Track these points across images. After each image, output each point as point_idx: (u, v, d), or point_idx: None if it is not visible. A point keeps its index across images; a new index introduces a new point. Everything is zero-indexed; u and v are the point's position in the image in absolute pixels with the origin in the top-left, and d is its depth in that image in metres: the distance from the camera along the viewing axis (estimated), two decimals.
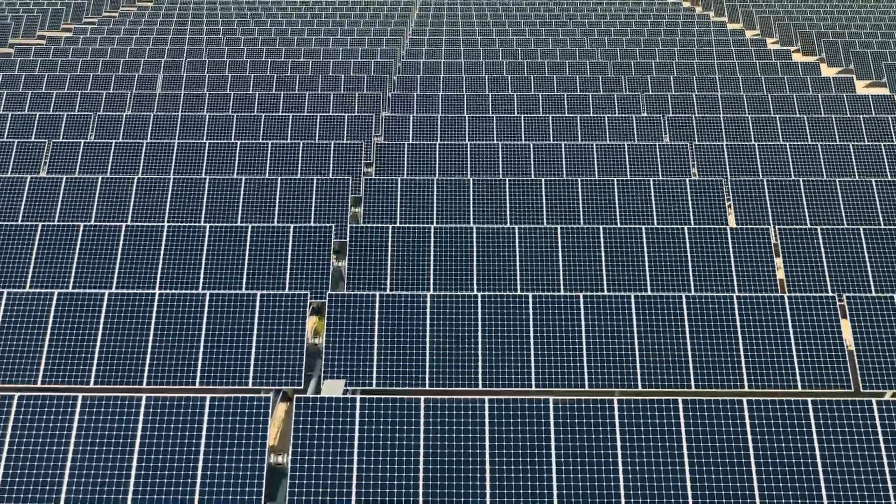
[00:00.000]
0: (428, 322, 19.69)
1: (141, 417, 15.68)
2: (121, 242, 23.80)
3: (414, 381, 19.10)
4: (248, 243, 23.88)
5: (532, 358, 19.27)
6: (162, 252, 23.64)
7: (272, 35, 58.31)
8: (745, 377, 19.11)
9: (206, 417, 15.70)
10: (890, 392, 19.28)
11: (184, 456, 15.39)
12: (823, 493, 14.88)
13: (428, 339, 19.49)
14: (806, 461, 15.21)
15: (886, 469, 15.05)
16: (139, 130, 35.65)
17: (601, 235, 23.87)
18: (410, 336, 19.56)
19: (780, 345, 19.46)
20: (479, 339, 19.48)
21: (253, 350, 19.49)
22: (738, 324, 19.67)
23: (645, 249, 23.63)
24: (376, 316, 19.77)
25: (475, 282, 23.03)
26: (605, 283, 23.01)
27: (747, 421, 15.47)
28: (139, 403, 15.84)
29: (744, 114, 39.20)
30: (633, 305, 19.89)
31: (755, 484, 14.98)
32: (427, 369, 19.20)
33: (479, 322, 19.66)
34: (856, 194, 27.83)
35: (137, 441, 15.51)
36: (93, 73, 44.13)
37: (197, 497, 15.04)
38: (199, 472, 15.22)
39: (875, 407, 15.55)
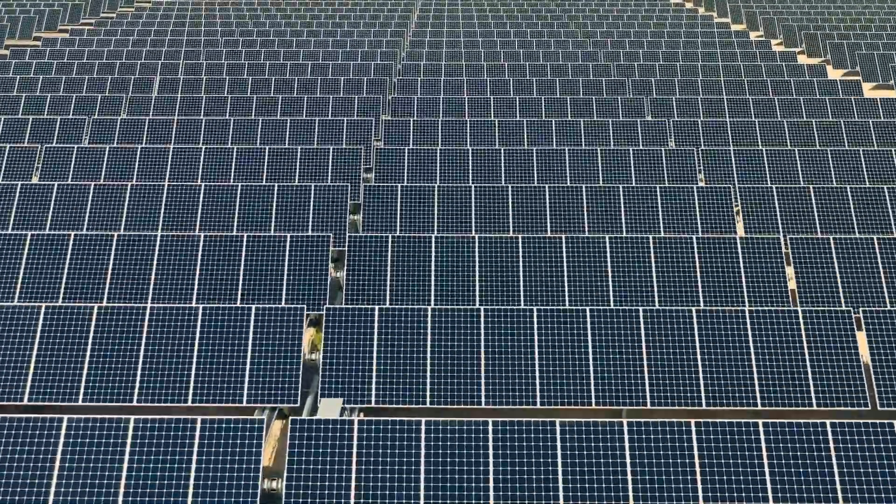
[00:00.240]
0: (429, 337, 19.01)
1: (129, 440, 15.00)
2: (112, 253, 23.12)
3: (414, 398, 18.41)
4: (243, 253, 23.20)
5: (537, 374, 18.58)
6: (155, 262, 22.95)
7: (271, 37, 57.64)
8: (757, 394, 18.42)
9: (196, 441, 15.02)
10: None
11: (173, 482, 14.70)
12: None
13: (429, 355, 18.81)
14: (825, 487, 14.52)
15: None
16: (134, 134, 34.98)
17: (607, 245, 23.18)
18: (411, 351, 18.88)
19: (793, 360, 18.77)
20: (482, 355, 18.80)
21: (247, 366, 18.80)
22: (750, 338, 18.98)
23: (652, 260, 22.94)
24: (375, 330, 19.08)
25: (477, 293, 22.34)
26: (611, 295, 22.32)
27: (763, 445, 14.78)
28: (127, 426, 15.15)
29: (750, 118, 38.52)
30: (641, 319, 19.21)
31: None
32: (428, 386, 18.51)
33: (482, 336, 18.98)
34: (867, 202, 27.14)
35: (125, 466, 14.82)
36: (88, 76, 43.46)
37: None
38: (189, 500, 14.52)
39: None
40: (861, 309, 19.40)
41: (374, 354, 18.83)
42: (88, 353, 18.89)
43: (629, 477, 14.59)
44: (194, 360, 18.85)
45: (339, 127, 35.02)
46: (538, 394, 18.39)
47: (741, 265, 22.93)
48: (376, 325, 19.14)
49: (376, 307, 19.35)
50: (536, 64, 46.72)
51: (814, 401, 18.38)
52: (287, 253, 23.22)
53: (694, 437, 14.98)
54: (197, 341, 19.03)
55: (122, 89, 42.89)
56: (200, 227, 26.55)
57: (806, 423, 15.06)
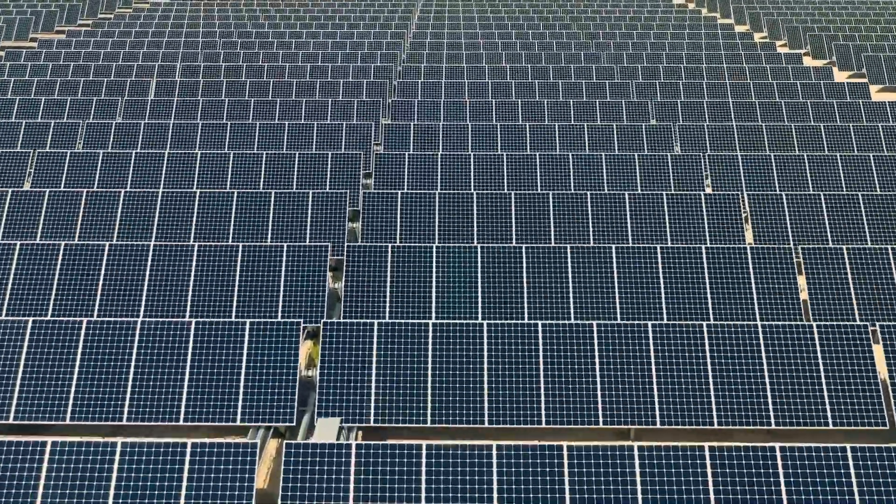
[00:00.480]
0: (430, 353, 18.32)
1: (116, 466, 14.31)
2: (104, 263, 22.43)
3: (415, 417, 17.72)
4: (238, 263, 22.51)
5: (542, 392, 17.89)
6: (147, 274, 22.26)
7: (270, 38, 56.95)
8: (771, 413, 17.73)
9: (186, 466, 14.33)
10: None
11: None
12: None
13: (430, 372, 18.12)
14: None
15: None
16: (129, 139, 34.29)
17: (613, 255, 22.49)
18: (411, 368, 18.19)
19: (808, 377, 18.07)
20: (485, 372, 18.11)
21: (242, 383, 18.12)
22: (763, 355, 18.29)
23: (660, 270, 22.25)
24: (374, 346, 18.39)
25: (480, 306, 21.65)
26: (617, 307, 21.63)
27: (780, 472, 14.09)
28: (114, 450, 14.47)
29: (757, 122, 37.83)
30: (650, 335, 18.52)
31: None
32: (429, 404, 17.82)
33: (485, 353, 18.29)
34: (879, 209, 26.44)
35: (111, 493, 14.13)
36: (84, 79, 42.78)
37: None
38: None
39: None
40: (878, 323, 18.71)
41: (374, 371, 18.14)
42: (77, 370, 18.21)
43: None
44: (186, 377, 18.16)
45: (338, 131, 34.34)
46: (543, 413, 17.70)
47: (751, 276, 22.25)
48: (375, 340, 18.45)
49: (375, 322, 18.66)
50: (538, 66, 46.03)
51: (829, 419, 17.70)
52: (284, 263, 22.54)
53: (708, 462, 14.30)
54: (189, 358, 18.34)
55: (118, 92, 42.22)
56: (195, 235, 25.86)
57: (825, 448, 14.38)
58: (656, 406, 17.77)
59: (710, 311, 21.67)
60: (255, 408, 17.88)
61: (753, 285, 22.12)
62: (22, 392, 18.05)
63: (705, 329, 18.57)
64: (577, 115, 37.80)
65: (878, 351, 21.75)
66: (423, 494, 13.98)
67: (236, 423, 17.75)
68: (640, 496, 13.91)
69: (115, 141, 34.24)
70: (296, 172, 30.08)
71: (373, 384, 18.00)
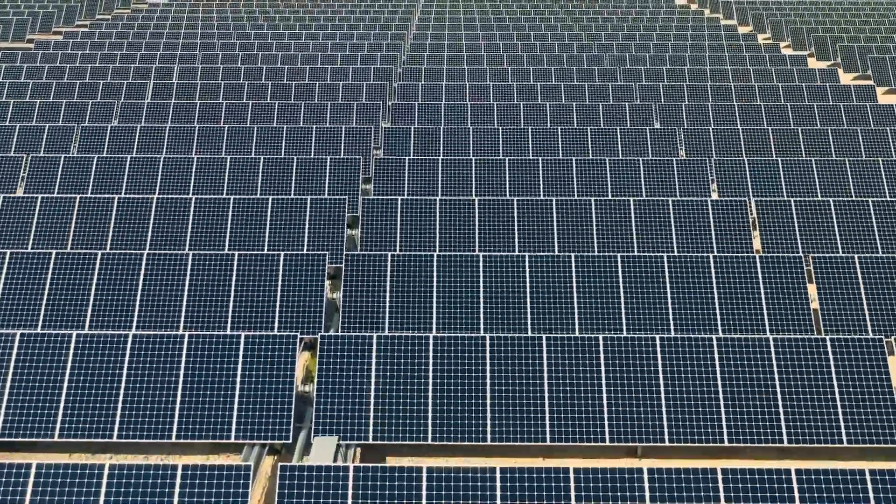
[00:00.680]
0: (430, 367, 17.73)
1: (103, 489, 13.72)
2: (96, 273, 21.84)
3: (415, 434, 17.13)
4: (234, 273, 21.92)
5: (546, 408, 17.30)
6: (140, 283, 21.67)
7: (269, 40, 56.37)
8: (783, 430, 17.14)
9: (177, 489, 13.75)
10: None
11: None
12: None
13: (430, 387, 17.53)
14: None
15: None
16: (125, 143, 33.71)
17: (619, 264, 21.90)
18: (411, 383, 17.60)
19: (821, 393, 17.48)
20: (488, 387, 17.52)
21: (236, 399, 17.53)
22: (775, 369, 17.70)
23: (667, 280, 21.66)
24: (373, 360, 17.80)
25: (482, 318, 21.05)
26: (623, 319, 21.03)
27: (796, 495, 13.50)
28: (101, 472, 13.88)
29: (762, 125, 37.24)
30: (658, 348, 17.93)
31: None
32: (430, 421, 17.23)
33: (487, 367, 17.70)
34: (890, 216, 25.85)
35: None
36: (80, 81, 42.20)
37: None
38: None
39: None
40: (894, 336, 18.11)
41: (372, 386, 17.55)
42: (66, 385, 17.62)
43: None
44: (179, 392, 17.58)
45: (337, 135, 33.76)
46: (548, 430, 17.11)
47: (761, 286, 21.66)
48: (374, 354, 17.87)
49: (374, 335, 18.07)
50: (540, 68, 45.45)
51: (844, 437, 17.11)
52: (280, 272, 21.96)
53: (720, 485, 13.72)
54: (182, 372, 17.76)
55: (115, 95, 41.64)
56: (190, 242, 25.28)
57: (843, 471, 13.80)
58: (664, 423, 17.19)
59: (719, 323, 21.08)
60: (249, 424, 17.30)
61: (763, 296, 21.53)
62: (9, 407, 17.47)
63: (715, 343, 17.98)
64: (580, 119, 37.22)
65: (892, 363, 21.16)
66: None
67: (230, 441, 17.16)
68: None
69: (110, 145, 33.66)
70: (294, 178, 29.49)
71: (371, 400, 17.42)
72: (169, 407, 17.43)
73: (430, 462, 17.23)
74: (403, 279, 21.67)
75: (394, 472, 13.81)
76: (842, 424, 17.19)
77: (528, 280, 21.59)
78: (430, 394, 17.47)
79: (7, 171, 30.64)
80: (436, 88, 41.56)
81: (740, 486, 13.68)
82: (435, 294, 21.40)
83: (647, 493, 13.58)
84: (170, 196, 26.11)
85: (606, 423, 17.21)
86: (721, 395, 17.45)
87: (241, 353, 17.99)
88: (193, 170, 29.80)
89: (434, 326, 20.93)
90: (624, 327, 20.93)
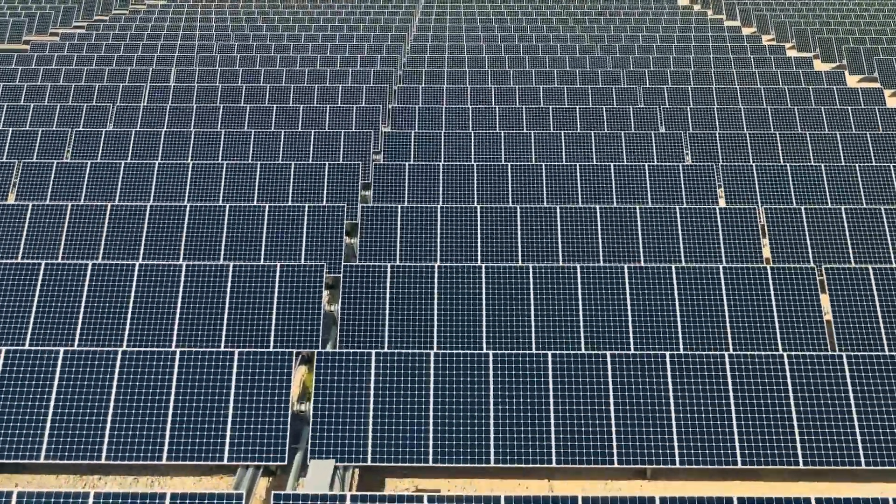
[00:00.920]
0: (431, 385, 17.06)
1: None
2: (86, 284, 21.18)
3: (416, 456, 16.47)
4: (229, 284, 21.25)
5: (552, 428, 16.64)
6: (132, 295, 21.01)
7: (267, 42, 55.72)
8: (799, 451, 16.47)
9: None
10: None
11: None
12: None
13: (432, 406, 16.86)
14: None
15: None
16: (120, 147, 33.05)
17: (626, 276, 21.23)
18: (412, 402, 16.93)
19: (838, 412, 16.81)
20: (491, 406, 16.85)
21: (229, 419, 16.86)
22: (790, 388, 17.03)
23: (675, 292, 20.99)
24: (372, 378, 17.14)
25: (484, 332, 20.38)
26: (630, 334, 20.36)
27: None
28: (86, 501, 13.21)
29: (769, 129, 36.57)
30: (668, 366, 17.26)
31: None
32: (431, 442, 16.57)
33: (491, 386, 17.03)
34: None
35: None
36: (75, 84, 41.54)
37: None
38: None
39: None
40: None
41: (371, 406, 16.89)
42: (52, 404, 16.96)
43: None
44: (170, 411, 16.91)
45: (336, 140, 33.09)
46: (554, 451, 16.45)
47: (772, 298, 20.99)
48: (373, 372, 17.20)
49: (373, 353, 17.40)
50: (543, 70, 44.77)
51: (862, 458, 16.44)
52: (277, 284, 21.29)
53: None
54: (174, 390, 17.09)
55: (111, 98, 40.97)
56: (185, 252, 24.62)
57: (865, 500, 13.12)
58: (675, 444, 16.52)
59: (729, 337, 20.41)
60: (243, 445, 16.64)
61: (775, 308, 20.86)
62: None
63: (727, 360, 17.31)
64: (583, 123, 36.55)
65: None
66: None
67: (223, 463, 16.50)
68: None
69: (104, 150, 33.00)
70: (291, 184, 28.83)
71: (370, 419, 16.75)
72: (159, 427, 16.77)
73: (430, 484, 16.56)
74: (403, 291, 21.01)
75: (393, 501, 13.14)
76: (860, 445, 16.53)
77: (531, 292, 20.92)
78: (431, 413, 16.80)
79: None
80: (437, 91, 40.90)
81: None
82: (436, 307, 20.73)
83: None
84: (164, 204, 25.47)
85: (615, 444, 16.55)
86: (734, 414, 16.79)
87: (234, 370, 17.33)
88: (189, 176, 29.14)
89: (435, 341, 20.26)
90: (631, 342, 20.26)
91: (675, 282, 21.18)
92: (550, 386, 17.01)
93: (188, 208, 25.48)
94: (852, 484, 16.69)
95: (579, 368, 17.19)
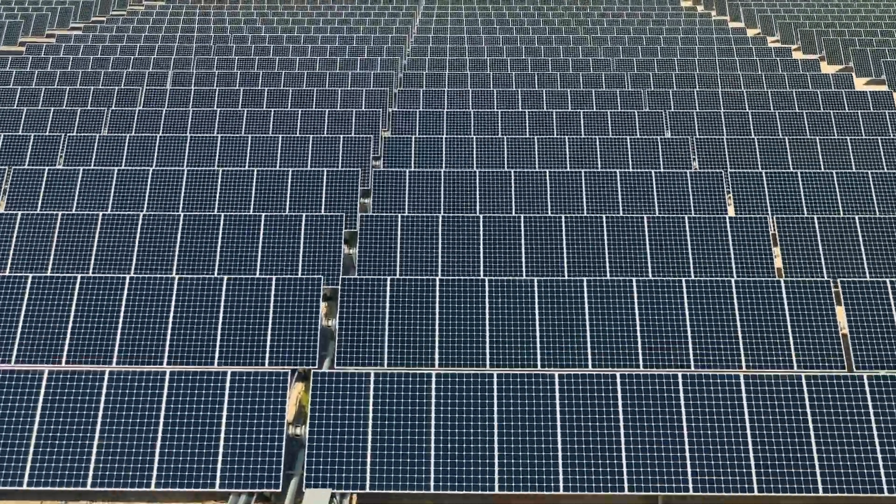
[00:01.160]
0: (433, 409, 16.30)
1: None
2: (75, 298, 20.43)
3: (416, 483, 15.71)
4: (222, 299, 20.50)
5: (559, 453, 15.88)
6: (122, 310, 20.25)
7: (266, 44, 54.97)
8: (818, 478, 15.71)
9: None
10: None
11: None
12: None
13: (433, 431, 16.10)
14: None
15: None
16: (114, 153, 32.30)
17: (634, 291, 20.48)
18: (413, 427, 16.17)
19: (859, 437, 16.06)
20: (496, 431, 16.09)
21: (221, 443, 16.11)
22: (808, 411, 16.27)
23: (686, 307, 20.23)
24: (371, 401, 16.38)
25: (488, 350, 19.63)
26: (640, 352, 19.60)
27: None
28: None
29: (777, 134, 35.80)
30: (679, 386, 16.51)
31: None
32: (432, 468, 15.82)
33: (496, 409, 16.27)
34: None
35: None
36: (70, 87, 40.78)
37: None
38: None
39: None
40: None
41: (370, 429, 16.13)
42: (36, 428, 16.21)
43: None
44: (160, 434, 16.16)
45: (335, 145, 32.35)
46: (561, 478, 15.69)
47: (787, 312, 20.23)
48: (372, 393, 16.44)
49: (372, 372, 16.64)
50: (545, 73, 44.01)
51: (885, 485, 15.68)
52: (272, 298, 20.54)
53: None
54: (163, 412, 16.34)
55: (105, 102, 40.22)
56: (178, 264, 23.86)
57: None
58: (688, 470, 15.77)
59: (742, 354, 19.65)
60: (236, 471, 15.88)
61: (789, 322, 20.11)
62: None
63: (742, 380, 16.55)
64: (587, 127, 35.79)
65: None
66: None
67: (215, 489, 15.75)
68: None
69: (98, 156, 32.26)
70: (289, 191, 28.07)
71: (369, 444, 16.00)
72: (148, 451, 16.02)
73: None
74: (404, 306, 20.25)
75: None
76: (882, 472, 15.77)
77: (536, 307, 20.16)
78: (433, 437, 16.05)
79: None
80: (438, 95, 40.14)
81: None
82: (437, 323, 19.98)
83: None
84: (157, 213, 24.72)
85: (625, 469, 15.80)
86: (750, 439, 16.03)
87: (227, 391, 16.57)
88: (184, 183, 28.39)
89: (437, 358, 19.51)
90: (640, 359, 19.51)
91: (685, 296, 20.43)
92: (557, 408, 16.25)
93: (182, 217, 24.74)
94: None
95: (587, 389, 16.44)
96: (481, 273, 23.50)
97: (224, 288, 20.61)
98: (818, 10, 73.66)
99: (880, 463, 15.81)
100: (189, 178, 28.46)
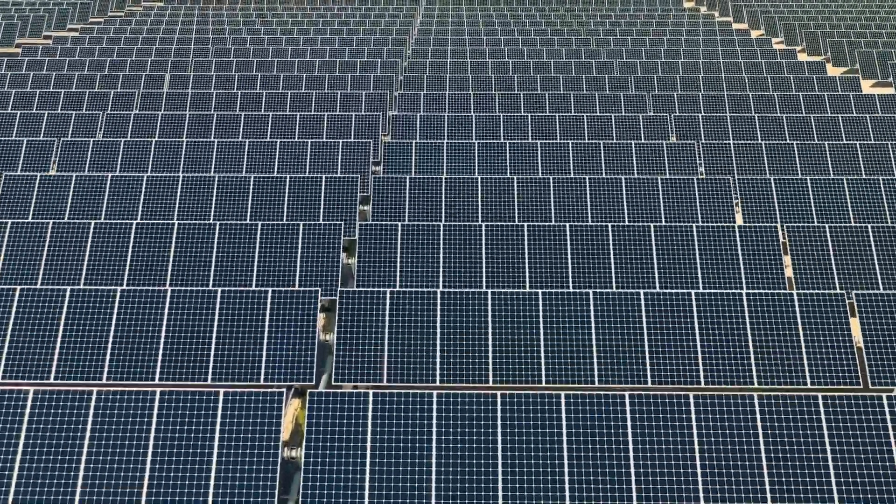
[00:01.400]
0: (434, 430, 15.64)
1: None
2: (64, 311, 19.78)
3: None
4: (216, 312, 19.85)
5: (566, 478, 15.23)
6: (113, 324, 19.60)
7: (265, 46, 54.33)
8: (835, 495, 15.06)
9: None
10: None
11: None
12: None
13: (434, 455, 15.45)
14: None
15: None
16: (108, 158, 31.65)
17: (642, 303, 19.82)
18: (413, 451, 15.52)
19: (878, 460, 15.41)
20: (500, 455, 15.44)
21: (213, 467, 15.45)
22: (825, 431, 15.62)
23: (695, 321, 19.57)
24: (370, 423, 15.73)
25: (490, 366, 18.97)
26: (648, 367, 18.95)
27: None
28: None
29: (785, 138, 35.15)
30: (692, 406, 15.85)
31: None
32: (433, 493, 15.16)
33: (500, 433, 15.61)
34: None
35: None
36: (65, 90, 40.14)
37: None
38: None
39: None
40: None
41: (368, 454, 15.47)
42: (21, 450, 15.55)
43: None
44: (149, 460, 15.50)
45: (334, 151, 31.69)
46: (567, 499, 15.03)
47: (799, 326, 19.57)
48: (371, 415, 15.78)
49: (370, 393, 15.98)
50: (548, 76, 43.35)
51: None
52: (268, 311, 19.89)
53: None
54: (153, 435, 15.69)
55: (101, 106, 39.58)
56: (172, 273, 23.21)
57: None
58: (700, 486, 15.11)
59: (754, 371, 19.00)
60: (228, 497, 15.22)
61: (802, 336, 19.45)
62: None
63: (756, 400, 15.89)
64: (591, 132, 35.14)
65: None
66: None
67: None
68: None
69: (92, 161, 31.60)
70: (286, 199, 27.42)
71: (367, 470, 15.34)
72: (136, 478, 15.36)
73: None
74: (404, 320, 19.60)
75: None
76: None
77: (541, 321, 19.51)
78: (434, 462, 15.39)
79: None
80: (439, 98, 39.48)
81: None
82: (439, 337, 19.33)
83: None
84: (150, 221, 24.07)
85: (634, 493, 15.14)
86: (764, 462, 15.37)
87: (219, 412, 15.92)
88: (179, 190, 27.74)
89: (438, 374, 18.85)
90: (649, 376, 18.85)
91: (694, 309, 19.77)
92: (564, 429, 15.60)
93: (176, 226, 24.09)
94: None
95: (595, 409, 15.78)
96: (483, 283, 22.86)
97: (218, 301, 19.96)
98: (822, 10, 72.98)
99: None
100: (184, 185, 27.82)
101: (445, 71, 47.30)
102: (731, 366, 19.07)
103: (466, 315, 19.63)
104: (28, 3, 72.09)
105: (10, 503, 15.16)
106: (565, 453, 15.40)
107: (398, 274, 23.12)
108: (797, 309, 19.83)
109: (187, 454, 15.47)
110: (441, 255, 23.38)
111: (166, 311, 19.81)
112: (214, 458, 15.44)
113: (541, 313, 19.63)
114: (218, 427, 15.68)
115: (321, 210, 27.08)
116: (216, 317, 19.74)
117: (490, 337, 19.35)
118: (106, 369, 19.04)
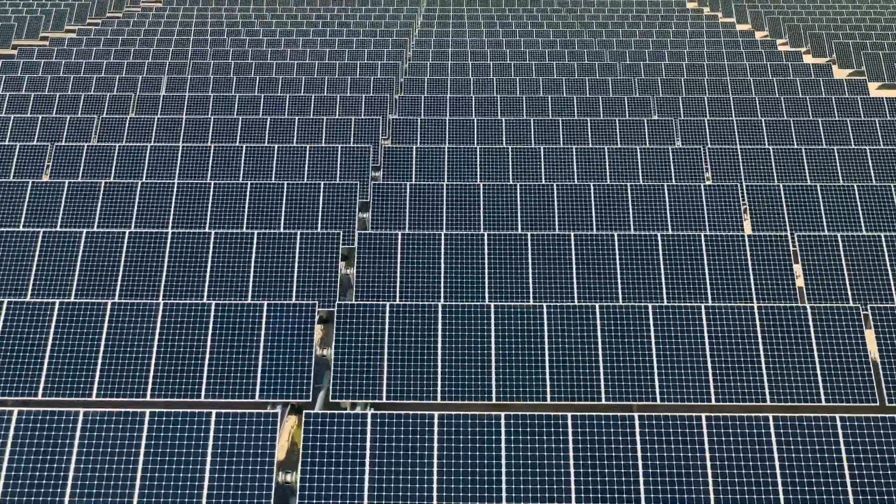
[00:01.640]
0: (436, 454, 15.00)
1: None
2: (52, 325, 19.13)
3: None
4: (210, 326, 19.20)
5: (573, 495, 14.59)
6: (103, 339, 18.96)
7: (264, 48, 53.69)
8: None
9: None
10: None
11: None
12: None
13: (436, 480, 14.80)
14: None
15: None
16: (102, 164, 31.00)
17: (650, 317, 19.17)
18: (413, 474, 14.88)
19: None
20: (504, 480, 14.79)
21: (205, 492, 14.81)
22: (843, 453, 14.98)
23: (706, 337, 18.93)
24: (368, 444, 15.09)
25: (493, 384, 18.31)
26: (657, 386, 18.30)
27: None
28: None
29: (792, 142, 34.50)
30: (703, 429, 15.20)
31: None
32: (434, 501, 14.53)
33: (504, 454, 14.97)
34: None
35: None
36: (60, 93, 39.52)
37: None
38: None
39: None
40: None
41: (367, 477, 14.83)
42: (3, 474, 14.91)
43: None
44: (137, 483, 14.85)
45: (333, 156, 31.04)
46: None
47: (813, 343, 18.92)
48: (369, 436, 15.14)
49: (369, 413, 15.34)
50: (550, 78, 42.71)
51: None
52: (263, 325, 19.24)
53: None
54: (142, 458, 15.04)
55: (97, 108, 38.94)
56: (165, 285, 22.57)
57: None
58: None
59: (767, 391, 18.34)
60: None
61: (816, 354, 18.80)
62: None
63: (771, 422, 15.24)
64: (595, 136, 34.50)
65: None
66: None
67: None
68: None
69: (85, 167, 30.96)
70: (284, 206, 26.78)
71: (365, 495, 14.70)
72: (126, 502, 14.71)
73: None
74: (404, 334, 18.95)
75: None
76: None
77: (546, 337, 18.86)
78: (436, 488, 14.74)
79: None
80: (440, 101, 38.84)
81: None
82: (440, 353, 18.68)
83: None
84: (144, 230, 23.43)
85: None
86: (780, 487, 14.73)
87: (211, 432, 15.28)
88: (173, 196, 27.10)
89: (439, 392, 18.20)
90: (657, 394, 18.20)
91: (704, 324, 19.12)
92: (570, 453, 14.95)
93: (170, 235, 23.45)
94: None
95: (605, 432, 15.13)
96: (486, 296, 22.22)
97: (212, 314, 19.32)
98: (826, 11, 72.31)
99: None
100: (179, 191, 27.17)
101: (446, 73, 46.66)
102: (743, 382, 18.43)
103: (468, 329, 18.99)
104: (25, 4, 71.48)
105: None
106: (572, 477, 14.76)
107: (398, 285, 22.49)
108: (811, 323, 19.18)
109: (177, 478, 14.83)
110: (442, 266, 22.74)
111: (158, 325, 19.16)
112: (206, 483, 14.79)
113: (545, 327, 18.99)
114: (210, 450, 15.04)
115: (319, 217, 26.44)
116: (210, 330, 19.10)
117: (493, 352, 18.72)
118: (96, 385, 18.39)
